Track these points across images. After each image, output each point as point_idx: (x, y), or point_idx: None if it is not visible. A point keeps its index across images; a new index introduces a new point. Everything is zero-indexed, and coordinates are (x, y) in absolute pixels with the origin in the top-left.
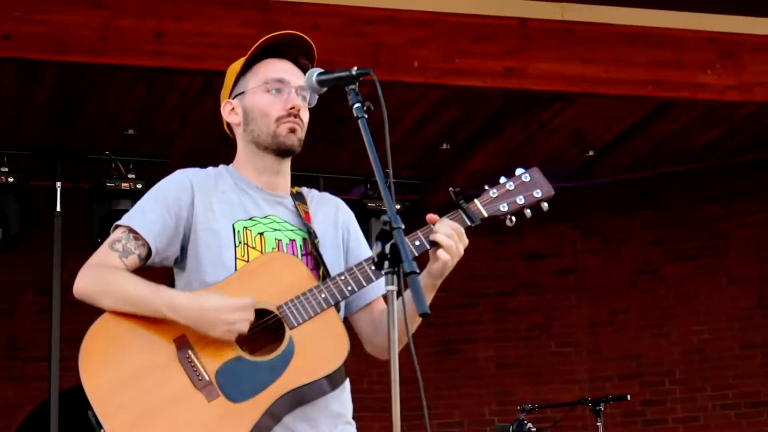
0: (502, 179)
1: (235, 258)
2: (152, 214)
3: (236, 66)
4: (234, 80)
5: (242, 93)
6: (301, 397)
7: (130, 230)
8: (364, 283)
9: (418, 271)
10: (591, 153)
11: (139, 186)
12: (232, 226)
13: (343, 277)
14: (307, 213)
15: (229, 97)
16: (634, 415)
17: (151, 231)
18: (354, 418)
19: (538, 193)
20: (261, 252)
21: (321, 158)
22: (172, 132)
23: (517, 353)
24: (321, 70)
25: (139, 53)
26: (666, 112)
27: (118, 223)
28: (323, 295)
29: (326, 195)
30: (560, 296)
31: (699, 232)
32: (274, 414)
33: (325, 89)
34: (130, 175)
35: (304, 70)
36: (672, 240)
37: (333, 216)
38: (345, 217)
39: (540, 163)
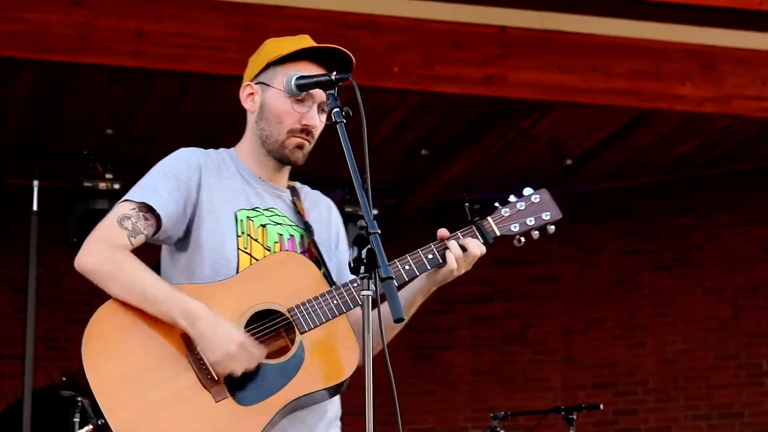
0: (512, 198)
1: (237, 248)
2: (165, 192)
3: (272, 50)
4: (265, 65)
5: (267, 85)
6: (303, 403)
7: (141, 207)
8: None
9: (393, 276)
10: (569, 162)
11: (116, 186)
12: (235, 214)
13: (356, 285)
14: (302, 209)
15: (252, 80)
16: (606, 425)
17: (165, 209)
18: None
19: (547, 216)
20: (263, 245)
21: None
22: (151, 133)
23: (492, 360)
24: (300, 74)
25: (118, 53)
26: (644, 123)
27: (128, 197)
28: (335, 302)
29: (318, 193)
30: (535, 304)
31: (675, 242)
32: (281, 416)
33: (304, 93)
34: (107, 175)
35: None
36: (648, 250)
37: (327, 216)
38: (337, 219)
39: (518, 170)
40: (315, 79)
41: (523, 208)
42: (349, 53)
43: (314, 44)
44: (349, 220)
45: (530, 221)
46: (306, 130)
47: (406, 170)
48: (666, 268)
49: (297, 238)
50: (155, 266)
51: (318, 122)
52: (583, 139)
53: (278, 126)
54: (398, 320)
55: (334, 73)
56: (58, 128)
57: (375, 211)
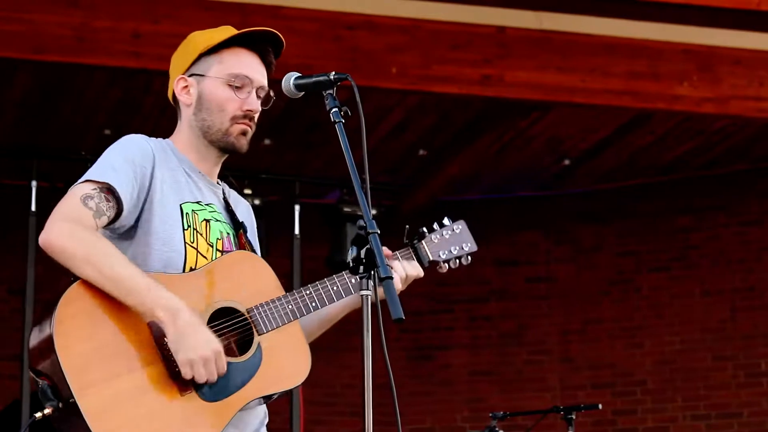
0: (436, 226)
1: (185, 241)
2: (123, 175)
3: (201, 41)
4: (196, 57)
5: (201, 76)
6: (252, 404)
7: (104, 188)
8: (326, 302)
9: (393, 276)
10: (567, 162)
11: None
12: (180, 206)
13: (308, 292)
14: (231, 206)
15: (185, 72)
16: (605, 424)
17: (125, 193)
18: (325, 422)
19: (466, 246)
20: (206, 240)
21: (297, 162)
22: (148, 133)
23: (490, 360)
24: (299, 74)
25: (115, 54)
26: (642, 123)
27: (89, 177)
28: (290, 307)
29: (235, 193)
30: (533, 304)
31: (672, 243)
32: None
33: (302, 93)
34: None
35: (268, 67)
36: (645, 250)
37: (248, 216)
38: (254, 221)
39: (516, 170)
40: (314, 79)
41: (448, 236)
42: (279, 35)
43: (240, 31)
44: (347, 220)
45: (454, 249)
46: (248, 116)
47: (404, 171)
48: (664, 268)
49: (233, 236)
50: None
51: (258, 107)
52: (581, 140)
53: (220, 114)
54: (397, 320)
55: (333, 73)
56: (55, 129)
57: (373, 211)
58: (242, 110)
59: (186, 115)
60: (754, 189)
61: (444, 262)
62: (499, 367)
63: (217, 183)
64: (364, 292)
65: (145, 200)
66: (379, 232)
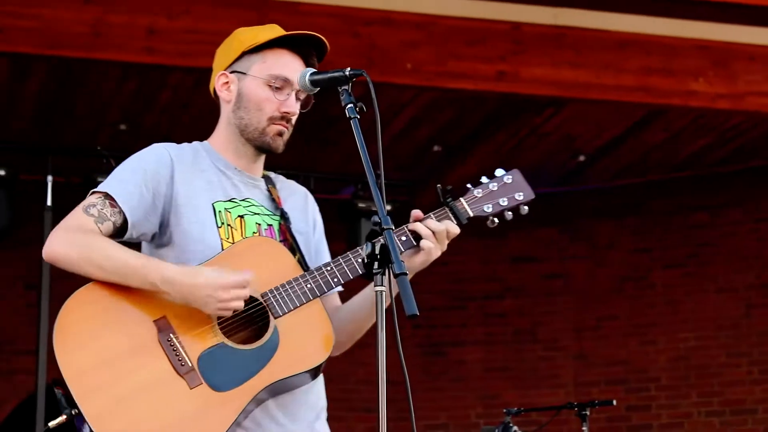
0: (484, 179)
1: (220, 238)
2: (129, 185)
3: (246, 39)
4: (239, 54)
5: (243, 73)
6: (283, 387)
7: (107, 196)
8: (350, 275)
9: (407, 272)
10: (581, 158)
11: None
12: (212, 205)
13: (329, 269)
14: (278, 197)
15: (227, 68)
16: (619, 420)
17: (128, 201)
18: (339, 417)
19: (519, 196)
20: (242, 236)
21: (312, 158)
22: (164, 128)
23: (504, 357)
24: (314, 70)
25: (131, 49)
26: (656, 120)
27: (95, 189)
28: (309, 286)
29: (294, 183)
30: (547, 300)
31: (686, 240)
32: (257, 401)
33: (318, 89)
34: None
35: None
36: (660, 247)
37: (303, 205)
38: (313, 208)
39: (531, 167)
40: (329, 75)
41: (495, 188)
42: (323, 38)
43: (285, 32)
44: (361, 215)
45: (503, 202)
46: (285, 118)
47: (418, 167)
48: (678, 265)
49: (275, 227)
50: None
51: (296, 109)
52: (595, 136)
53: (258, 114)
54: (411, 316)
55: (348, 69)
56: (71, 124)
57: (387, 207)
58: (280, 111)
59: (225, 112)
60: None
61: (493, 216)
62: (513, 363)
63: (265, 176)
64: (378, 288)
65: (168, 205)
66: (393, 227)
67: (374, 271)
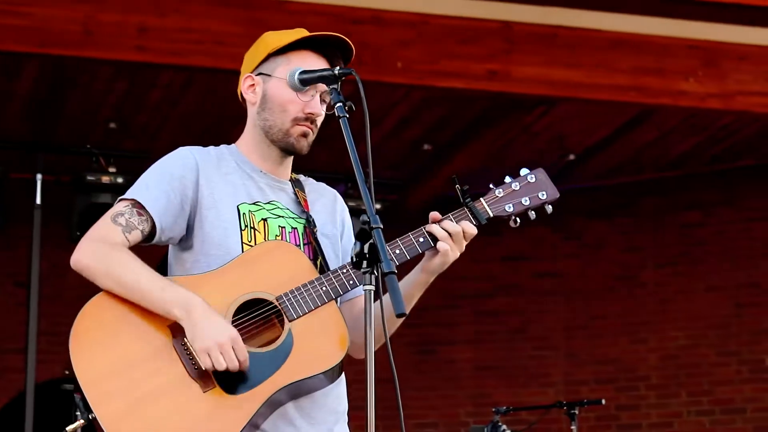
0: (507, 179)
1: (242, 242)
2: (156, 190)
3: (272, 41)
4: (264, 57)
5: (268, 75)
6: (301, 390)
7: (135, 204)
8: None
9: (396, 271)
10: (572, 157)
11: (119, 180)
12: (237, 207)
13: (345, 271)
14: (305, 200)
15: (253, 71)
16: (608, 420)
17: (156, 207)
18: None
19: (543, 195)
20: (266, 238)
21: (301, 156)
22: (154, 127)
23: (494, 355)
24: (303, 69)
25: (122, 48)
26: (647, 119)
27: (122, 196)
28: (324, 288)
29: (323, 185)
30: (538, 299)
31: (677, 239)
32: (272, 404)
33: (307, 88)
34: (111, 169)
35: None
36: (650, 246)
37: (331, 207)
38: (342, 210)
39: (520, 166)
40: (318, 74)
41: (518, 188)
42: (349, 41)
43: (311, 34)
44: (351, 214)
45: (526, 201)
46: (310, 119)
47: (408, 165)
48: (669, 264)
49: (300, 230)
50: (158, 265)
51: (321, 111)
52: (586, 135)
53: (282, 115)
54: (400, 315)
55: (337, 68)
56: (61, 122)
57: (377, 206)
58: (304, 113)
59: (251, 114)
60: (759, 185)
61: (515, 215)
62: (503, 362)
63: (294, 179)
64: (366, 287)
65: (194, 209)
66: (382, 227)
67: (363, 270)
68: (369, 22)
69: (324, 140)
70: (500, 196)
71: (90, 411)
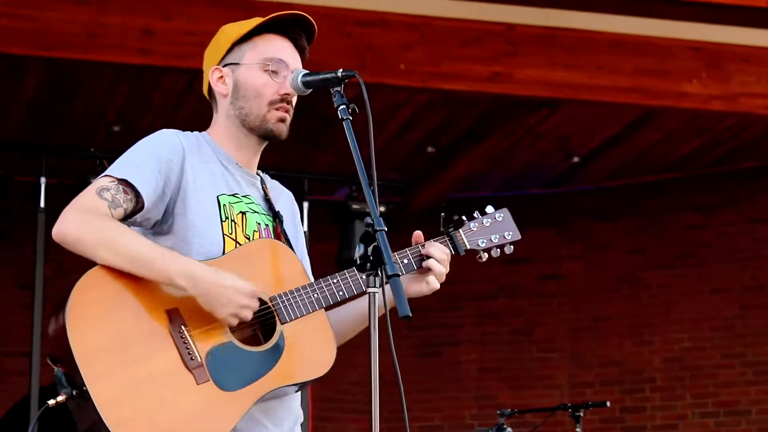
0: (477, 215)
1: (223, 233)
2: (146, 170)
3: (233, 31)
4: (229, 47)
5: (236, 64)
6: (276, 393)
7: (121, 182)
8: (354, 291)
9: (399, 273)
10: (575, 159)
11: None
12: (217, 198)
13: (335, 281)
14: (270, 198)
15: (219, 63)
16: (613, 422)
17: (145, 188)
18: (332, 418)
19: (508, 235)
20: (243, 232)
21: (305, 159)
22: (158, 130)
23: (499, 357)
24: (306, 71)
25: (125, 51)
26: (650, 121)
27: (108, 173)
28: (316, 296)
29: (278, 183)
30: (542, 301)
31: (681, 240)
32: (257, 406)
33: (311, 90)
34: None
35: (302, 52)
36: (654, 248)
37: (290, 207)
38: (297, 212)
39: (524, 168)
40: (322, 76)
41: (488, 224)
42: (309, 18)
43: (269, 16)
44: (356, 217)
45: (495, 238)
46: (286, 100)
47: (412, 168)
48: (672, 266)
49: (271, 227)
50: None
51: (294, 89)
52: (589, 137)
53: (257, 100)
54: (404, 317)
55: (340, 70)
56: (65, 125)
57: (381, 209)
58: (279, 94)
59: (223, 106)
60: (763, 186)
61: (483, 251)
62: (507, 364)
63: (257, 174)
64: (371, 290)
65: (176, 194)
66: (386, 229)
67: (367, 272)
68: (372, 25)
69: (327, 143)
70: (474, 230)
71: (74, 387)
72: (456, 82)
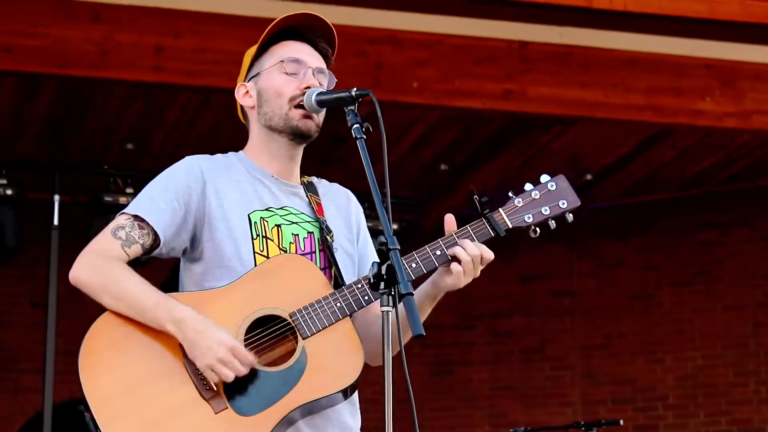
0: (528, 186)
1: (254, 251)
2: (161, 202)
3: (251, 50)
4: (250, 63)
5: (257, 74)
6: (312, 408)
7: (136, 218)
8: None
9: (413, 292)
10: (589, 177)
11: None
12: (248, 216)
13: (360, 286)
14: (319, 205)
15: (244, 81)
16: None
17: (160, 221)
18: None
19: (563, 204)
20: (278, 245)
21: (319, 176)
22: (171, 147)
23: (512, 375)
24: (320, 90)
25: (138, 68)
26: (664, 138)
27: (124, 210)
28: (339, 305)
29: (336, 186)
30: (555, 319)
31: (694, 258)
32: (285, 423)
33: (324, 109)
34: (128, 190)
35: (324, 55)
36: (667, 265)
37: (346, 210)
38: (357, 211)
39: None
40: (335, 95)
41: (537, 197)
42: (325, 20)
43: (288, 18)
44: (369, 235)
45: (545, 210)
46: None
47: (425, 185)
48: (686, 283)
49: (316, 234)
50: (162, 282)
51: (316, 82)
52: (603, 155)
53: (278, 99)
54: (418, 336)
55: (354, 89)
56: (78, 143)
57: (394, 227)
58: (300, 89)
59: (253, 119)
60: None
61: (534, 225)
62: (520, 382)
63: (307, 182)
64: (384, 308)
65: (200, 220)
66: (399, 248)
67: (380, 291)
68: (385, 42)
69: (340, 161)
70: (519, 205)
71: (97, 430)
72: (469, 100)
